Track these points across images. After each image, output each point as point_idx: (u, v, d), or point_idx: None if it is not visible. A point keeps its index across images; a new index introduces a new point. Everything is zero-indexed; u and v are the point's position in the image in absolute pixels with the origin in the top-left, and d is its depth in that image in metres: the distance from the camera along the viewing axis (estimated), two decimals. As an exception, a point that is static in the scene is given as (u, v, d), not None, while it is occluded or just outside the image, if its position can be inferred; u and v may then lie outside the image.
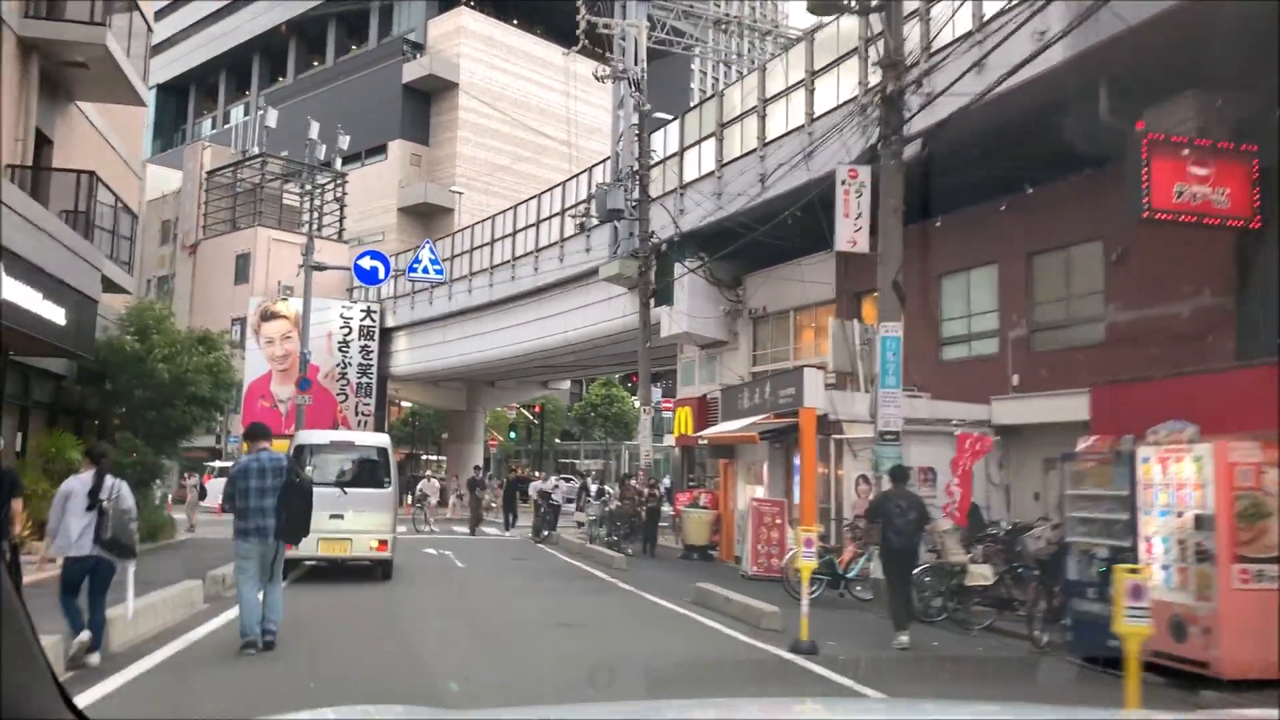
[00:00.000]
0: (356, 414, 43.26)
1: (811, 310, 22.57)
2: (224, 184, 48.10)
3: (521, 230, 34.15)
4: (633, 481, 19.39)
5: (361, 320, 43.64)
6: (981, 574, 10.80)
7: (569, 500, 52.32)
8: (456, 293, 38.36)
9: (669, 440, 25.45)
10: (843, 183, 11.95)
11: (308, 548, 12.06)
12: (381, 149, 70.69)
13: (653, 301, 25.35)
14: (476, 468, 29.66)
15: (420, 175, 69.31)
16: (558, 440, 64.77)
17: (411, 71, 69.35)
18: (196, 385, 17.46)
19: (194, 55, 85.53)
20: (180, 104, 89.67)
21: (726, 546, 19.26)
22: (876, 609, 11.86)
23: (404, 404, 64.03)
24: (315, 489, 11.77)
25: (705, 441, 19.03)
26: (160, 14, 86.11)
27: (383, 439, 13.58)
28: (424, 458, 66.98)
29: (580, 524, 23.74)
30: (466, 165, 67.71)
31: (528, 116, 70.32)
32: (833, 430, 15.83)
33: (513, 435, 49.93)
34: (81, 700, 6.10)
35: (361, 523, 12.42)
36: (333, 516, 12.23)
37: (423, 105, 73.06)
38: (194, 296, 47.14)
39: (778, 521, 15.89)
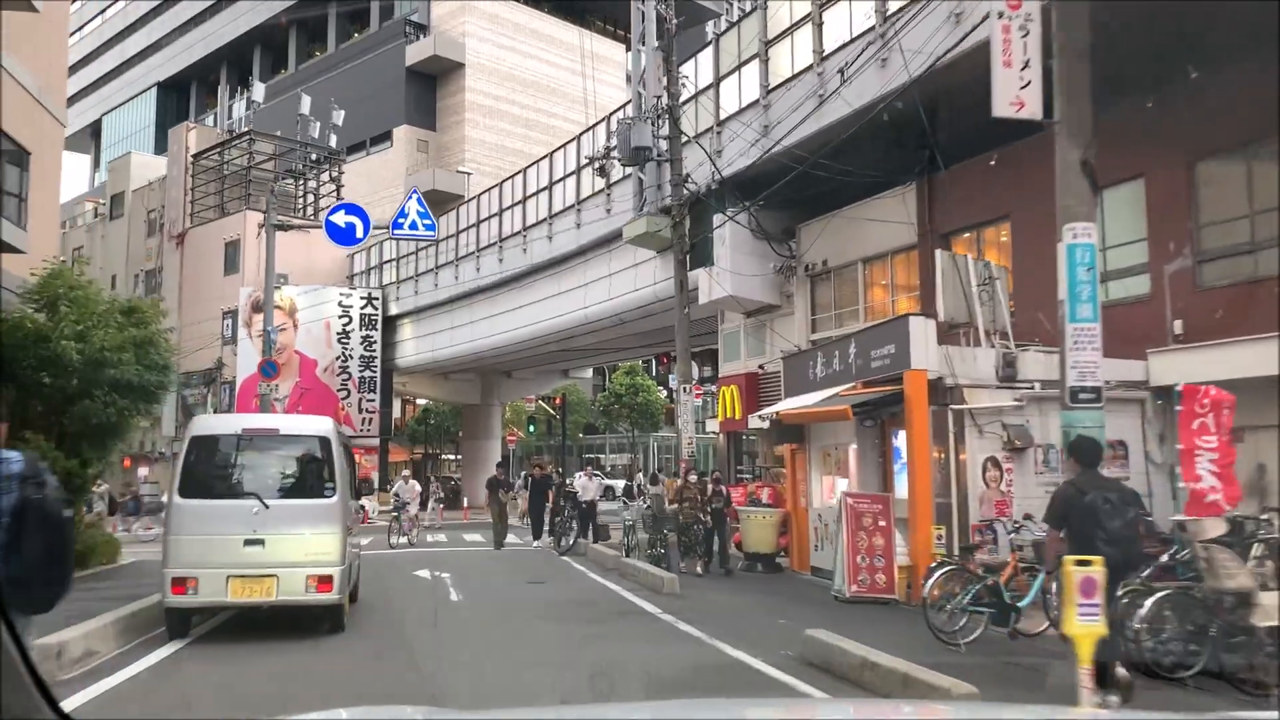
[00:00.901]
0: (360, 411, 39.53)
1: (884, 261, 18.51)
2: (212, 168, 44.38)
3: (533, 195, 30.18)
4: (691, 477, 15.21)
5: (362, 308, 39.85)
6: (1274, 608, 6.72)
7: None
8: (463, 272, 34.46)
9: (711, 426, 21.37)
10: (1001, 16, 7.91)
11: (211, 590, 8.17)
12: (386, 136, 67.68)
13: (688, 261, 21.36)
14: (500, 465, 25.51)
15: (428, 162, 66.01)
16: (581, 434, 60.85)
17: (415, 53, 66.42)
18: (118, 368, 13.54)
19: (193, 51, 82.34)
20: (181, 102, 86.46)
21: (799, 554, 15.22)
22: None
23: (419, 401, 60.54)
24: (225, 501, 8.44)
25: (775, 418, 14.97)
26: (157, 9, 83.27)
27: (323, 425, 9.19)
28: (442, 458, 63.33)
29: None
30: (476, 150, 64.15)
31: (539, 97, 66.75)
32: (948, 399, 11.79)
33: (531, 429, 46.00)
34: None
35: (292, 551, 8.28)
36: (249, 543, 8.25)
37: (428, 89, 70.13)
38: (183, 290, 43.54)
39: (881, 523, 11.84)
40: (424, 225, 17.40)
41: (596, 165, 22.08)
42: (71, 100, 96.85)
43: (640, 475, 28.87)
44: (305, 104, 44.31)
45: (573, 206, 27.67)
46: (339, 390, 39.31)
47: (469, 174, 56.10)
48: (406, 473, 20.90)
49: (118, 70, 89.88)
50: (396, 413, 67.45)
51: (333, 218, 17.33)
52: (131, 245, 48.14)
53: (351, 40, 72.86)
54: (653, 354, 35.29)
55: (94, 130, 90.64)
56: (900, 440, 12.73)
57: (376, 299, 40.01)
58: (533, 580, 13.75)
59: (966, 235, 16.91)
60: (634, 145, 19.15)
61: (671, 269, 23.49)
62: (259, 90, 47.36)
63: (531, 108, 66.48)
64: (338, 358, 39.40)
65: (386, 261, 40.72)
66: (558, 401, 45.96)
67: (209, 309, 40.85)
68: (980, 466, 11.86)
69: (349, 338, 39.58)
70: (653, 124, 19.61)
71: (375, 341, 39.81)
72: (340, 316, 39.51)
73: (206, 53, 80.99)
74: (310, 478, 8.73)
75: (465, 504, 36.03)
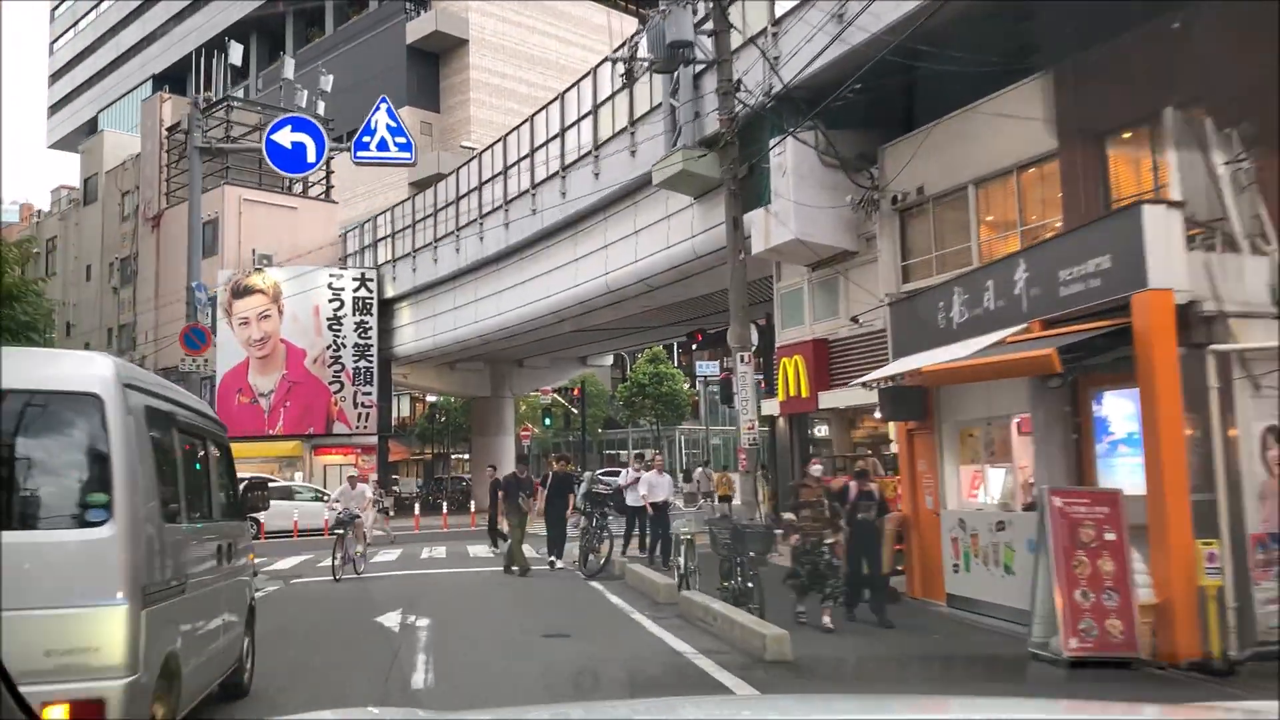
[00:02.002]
0: (356, 405, 35.24)
1: (1005, 179, 13.98)
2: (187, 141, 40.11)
3: (541, 146, 25.78)
4: (812, 468, 9.60)
5: (355, 290, 35.55)
6: None
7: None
8: (466, 244, 30.12)
9: (756, 411, 16.90)
10: None
11: None
12: (388, 119, 63.67)
13: (737, 205, 17.00)
14: (521, 462, 21.05)
15: (431, 144, 62.29)
16: (600, 429, 56.48)
17: (415, 30, 62.90)
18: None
19: (187, 42, 78.79)
20: (179, 94, 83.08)
21: (923, 576, 10.75)
22: None
23: (429, 399, 56.47)
24: None
25: (894, 382, 10.47)
26: (150, 1, 79.65)
27: (94, 369, 4.55)
28: (453, 457, 59.04)
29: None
30: (482, 131, 60.25)
31: (548, 74, 62.89)
32: (1206, 336, 7.36)
33: (547, 422, 41.62)
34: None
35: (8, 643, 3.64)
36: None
37: (430, 68, 66.70)
38: (159, 277, 39.36)
39: (1108, 537, 7.37)
40: (396, 144, 13.05)
41: (623, 70, 17.61)
42: (67, 99, 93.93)
43: (702, 469, 24.36)
44: (289, 67, 40.19)
45: (590, 154, 23.24)
46: (331, 383, 35.05)
47: (473, 149, 51.92)
48: (353, 471, 15.56)
49: (112, 65, 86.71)
50: (405, 411, 63.46)
51: (275, 136, 12.99)
52: (106, 231, 44.01)
53: (350, 21, 69.37)
54: (684, 332, 30.78)
55: (90, 128, 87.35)
56: (1106, 406, 8.25)
57: (371, 280, 35.72)
58: (551, 632, 9.12)
59: (1128, 136, 12.41)
60: (669, 40, 14.68)
61: (712, 218, 19.12)
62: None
63: (540, 85, 62.53)
64: (329, 346, 35.12)
65: (381, 239, 36.44)
66: (575, 393, 41.58)
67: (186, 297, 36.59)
68: (1259, 440, 7.43)
69: (341, 324, 35.29)
70: (692, 9, 15.15)
71: (371, 328, 35.52)
72: (331, 300, 35.23)
73: (202, 42, 77.63)
74: (55, 484, 4.28)
75: (473, 508, 31.58)
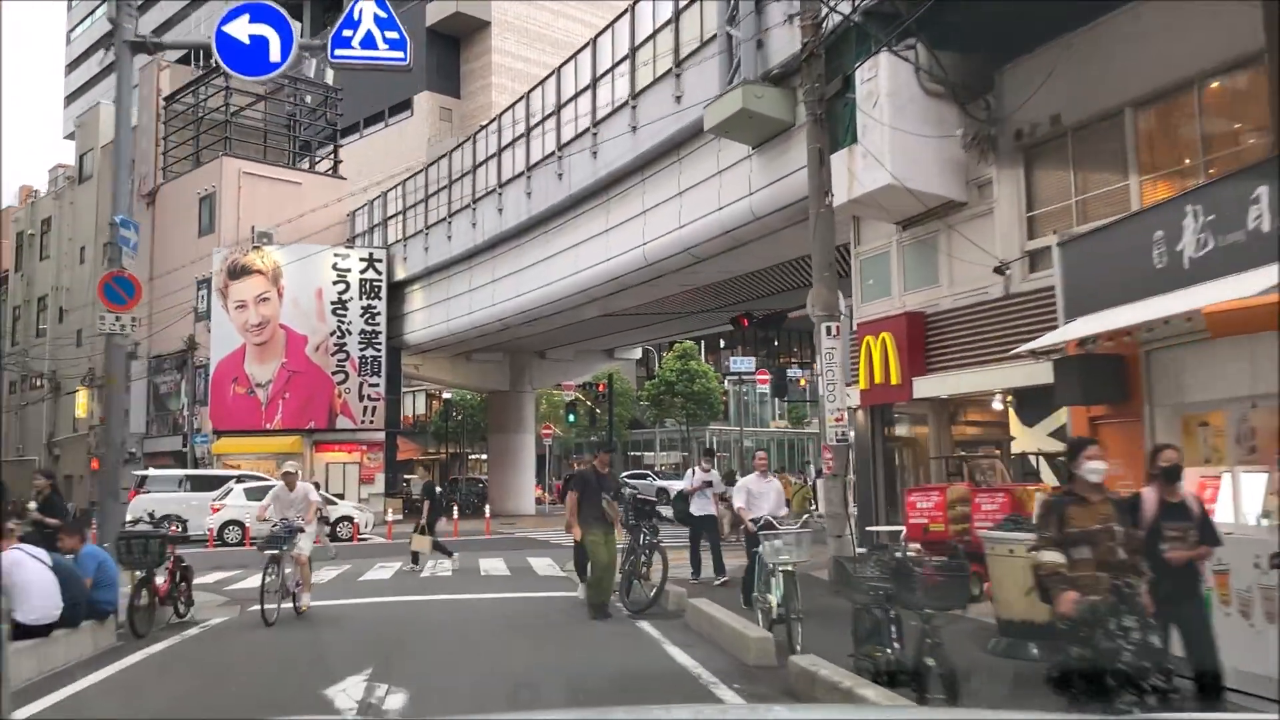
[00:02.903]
0: (362, 398, 32.15)
1: (1181, 98, 10.64)
2: (185, 111, 37.23)
3: (570, 101, 22.60)
4: (1090, 464, 4.96)
5: (362, 272, 32.48)
6: None
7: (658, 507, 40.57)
8: (483, 216, 27.00)
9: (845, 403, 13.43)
10: None
11: None
12: (406, 105, 61.57)
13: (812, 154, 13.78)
14: (604, 449, 17.36)
15: (451, 131, 59.60)
16: (626, 430, 53.21)
17: (436, 11, 60.34)
18: None
19: (201, 30, 76.42)
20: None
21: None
22: None
23: (445, 395, 53.47)
24: None
25: (1087, 343, 7.21)
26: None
27: None
28: (470, 457, 55.89)
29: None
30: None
31: (572, 58, 59.93)
32: None
33: (571, 419, 38.38)
34: None
35: None
36: None
37: (451, 51, 64.25)
38: (154, 257, 36.40)
39: None
40: (386, 40, 9.90)
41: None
42: (80, 91, 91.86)
43: (810, 469, 20.63)
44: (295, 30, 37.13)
45: (626, 104, 20.04)
46: (334, 373, 31.97)
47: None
48: (292, 465, 10.21)
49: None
50: (420, 408, 60.41)
51: (229, 28, 9.85)
52: (100, 211, 41.10)
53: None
54: (724, 320, 27.47)
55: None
56: None
57: (380, 261, 32.63)
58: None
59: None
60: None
61: (774, 170, 15.91)
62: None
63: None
64: (332, 333, 32.06)
65: (391, 216, 33.38)
66: (600, 388, 38.36)
67: (183, 277, 33.71)
68: None
69: (346, 309, 32.22)
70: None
71: (379, 313, 32.44)
72: (336, 283, 32.17)
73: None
74: None
75: (488, 512, 28.34)
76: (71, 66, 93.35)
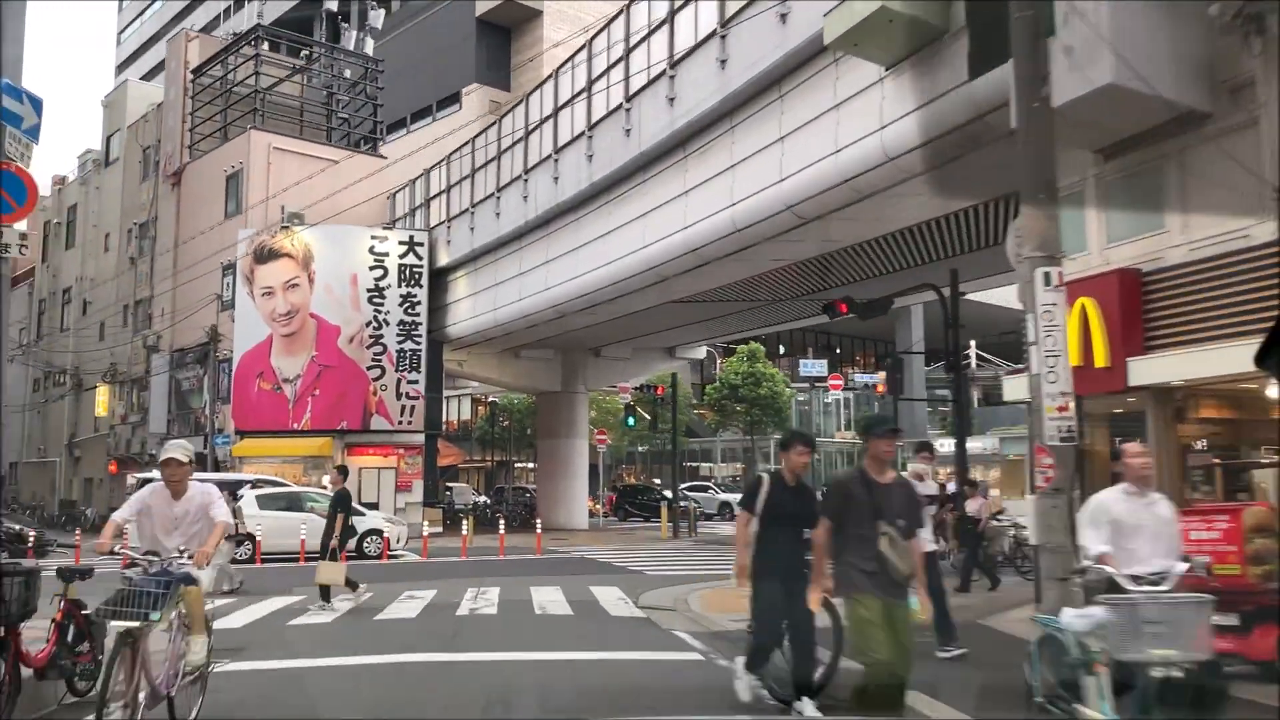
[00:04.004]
0: (400, 396, 28.89)
1: None
2: (212, 84, 34.37)
3: (641, 42, 19.16)
4: None
5: (402, 257, 29.28)
6: None
7: (710, 516, 36.67)
8: (536, 188, 23.66)
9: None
10: None
11: None
12: (455, 98, 58.54)
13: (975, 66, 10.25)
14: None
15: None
16: (683, 437, 49.63)
17: (486, 0, 57.49)
18: None
19: (249, 24, 74.74)
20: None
21: None
22: None
23: (490, 398, 50.39)
24: None
25: None
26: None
27: None
28: (517, 465, 52.60)
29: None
30: (554, 111, 53.91)
31: (628, 49, 56.74)
32: None
33: (630, 422, 34.80)
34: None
35: None
36: None
37: (502, 42, 61.20)
38: (179, 241, 33.57)
39: None
40: None
41: None
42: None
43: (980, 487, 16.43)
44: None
45: (714, 35, 16.52)
46: (369, 368, 28.76)
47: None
48: (184, 453, 4.64)
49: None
50: (465, 413, 57.30)
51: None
52: (126, 194, 38.51)
53: (419, -3, 64.41)
54: (819, 305, 23.73)
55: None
56: None
57: (421, 245, 29.42)
58: None
59: None
60: None
61: (918, 94, 12.27)
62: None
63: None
64: (368, 324, 28.86)
65: (435, 196, 30.17)
66: (659, 391, 34.82)
67: (209, 263, 30.78)
68: None
69: (384, 297, 29.03)
70: None
71: (419, 302, 29.21)
72: (373, 269, 29.00)
73: (267, 23, 73.93)
74: None
75: (539, 527, 24.81)
76: (121, 68, 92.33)
